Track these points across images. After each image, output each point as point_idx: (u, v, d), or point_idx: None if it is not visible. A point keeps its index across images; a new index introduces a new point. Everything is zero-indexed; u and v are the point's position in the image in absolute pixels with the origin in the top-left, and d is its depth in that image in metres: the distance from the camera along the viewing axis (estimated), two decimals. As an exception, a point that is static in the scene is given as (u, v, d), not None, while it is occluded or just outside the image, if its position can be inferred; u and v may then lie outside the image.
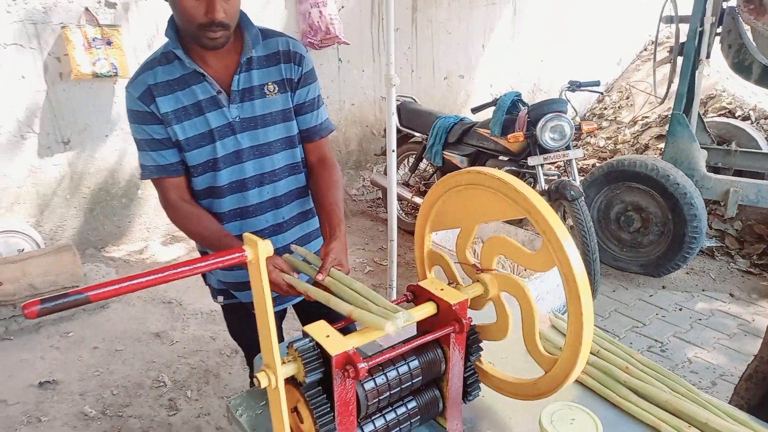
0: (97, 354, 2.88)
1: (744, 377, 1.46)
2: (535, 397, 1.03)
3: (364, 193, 5.16)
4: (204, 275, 1.72)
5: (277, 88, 1.46)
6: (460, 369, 1.04)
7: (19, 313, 3.02)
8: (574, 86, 3.38)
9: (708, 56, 3.63)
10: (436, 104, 5.37)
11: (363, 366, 0.84)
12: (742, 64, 3.62)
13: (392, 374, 0.96)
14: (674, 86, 3.71)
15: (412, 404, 1.02)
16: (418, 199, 4.06)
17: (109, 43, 3.51)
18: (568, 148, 3.18)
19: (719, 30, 3.63)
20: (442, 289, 1.03)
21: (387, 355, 0.93)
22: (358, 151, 5.14)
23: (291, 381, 0.90)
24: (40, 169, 3.63)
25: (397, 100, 4.03)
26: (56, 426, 2.39)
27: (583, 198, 2.97)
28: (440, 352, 1.02)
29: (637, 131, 5.55)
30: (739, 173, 4.01)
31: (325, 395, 0.89)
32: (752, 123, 4.67)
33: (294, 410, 0.93)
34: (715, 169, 4.00)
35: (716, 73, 5.25)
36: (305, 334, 0.92)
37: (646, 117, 5.68)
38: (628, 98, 6.22)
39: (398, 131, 3.83)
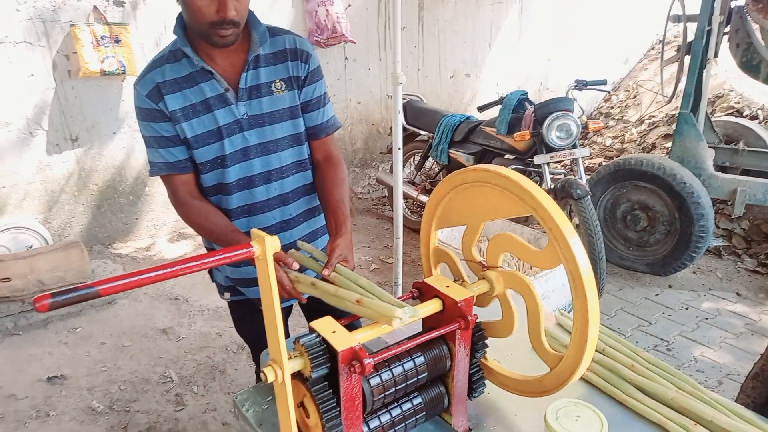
0: (104, 349, 2.91)
1: (750, 376, 1.45)
2: (541, 394, 1.03)
3: (369, 191, 5.17)
4: (210, 272, 1.73)
5: (284, 86, 1.47)
6: (465, 366, 1.04)
7: (28, 308, 3.04)
8: (581, 85, 3.37)
9: (716, 55, 3.62)
10: (443, 103, 5.37)
11: (369, 362, 0.85)
12: (750, 63, 3.61)
13: (398, 370, 0.97)
14: (682, 85, 3.69)
15: (417, 400, 1.02)
16: (423, 198, 4.06)
17: (117, 41, 3.53)
18: (574, 146, 3.17)
19: (727, 29, 3.61)
20: (448, 286, 1.03)
21: (393, 351, 0.93)
22: (364, 149, 5.14)
23: (297, 376, 0.90)
24: (48, 166, 3.66)
25: (404, 99, 4.03)
26: (64, 420, 2.42)
27: (589, 196, 2.96)
28: (446, 348, 1.02)
29: (644, 130, 5.52)
30: (746, 172, 3.98)
31: (331, 390, 0.89)
32: (760, 122, 4.64)
33: (300, 405, 0.94)
34: (722, 169, 3.97)
35: (724, 73, 5.21)
36: (312, 330, 0.92)
37: (653, 116, 5.65)
38: (635, 97, 6.19)
39: (404, 129, 3.82)
